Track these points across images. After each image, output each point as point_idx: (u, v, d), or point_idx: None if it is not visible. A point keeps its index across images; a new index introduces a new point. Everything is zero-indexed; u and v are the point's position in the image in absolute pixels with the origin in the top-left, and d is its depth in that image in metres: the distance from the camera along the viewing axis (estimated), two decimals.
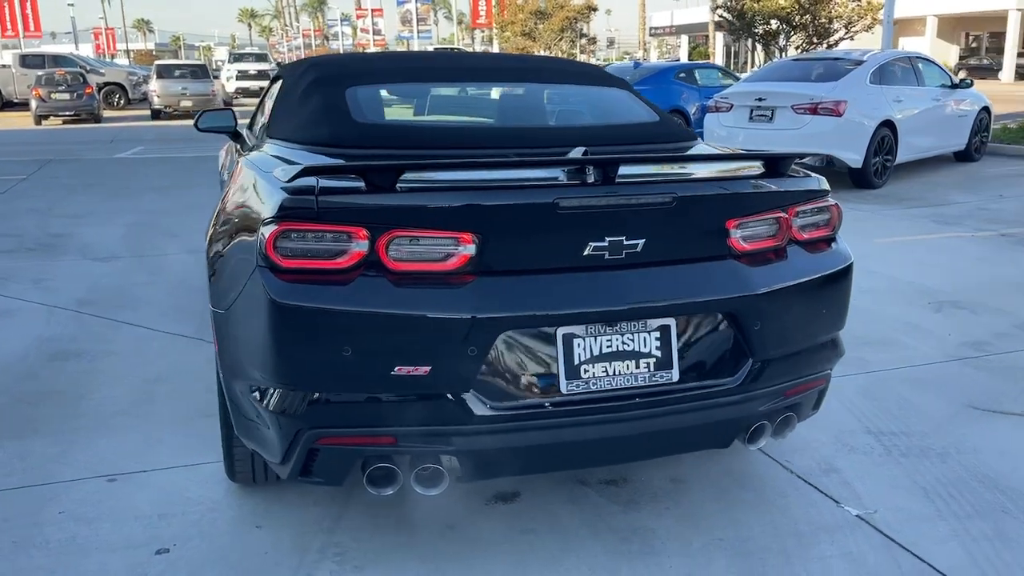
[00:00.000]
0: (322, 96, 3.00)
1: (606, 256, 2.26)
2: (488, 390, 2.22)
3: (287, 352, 2.19)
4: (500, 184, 2.32)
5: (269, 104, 3.53)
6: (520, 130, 3.07)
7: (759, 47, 23.11)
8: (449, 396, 2.20)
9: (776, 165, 2.51)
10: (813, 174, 2.66)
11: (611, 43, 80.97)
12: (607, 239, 2.25)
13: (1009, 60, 37.88)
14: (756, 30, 21.95)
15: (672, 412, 2.35)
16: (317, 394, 2.22)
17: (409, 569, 2.51)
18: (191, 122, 4.65)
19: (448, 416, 2.21)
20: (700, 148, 3.07)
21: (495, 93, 3.55)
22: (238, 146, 3.93)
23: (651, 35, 58.54)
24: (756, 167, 2.54)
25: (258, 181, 2.51)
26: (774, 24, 21.66)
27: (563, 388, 2.26)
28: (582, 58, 39.33)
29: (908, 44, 38.15)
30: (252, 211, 2.40)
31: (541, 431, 2.27)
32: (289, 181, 2.23)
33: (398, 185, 2.21)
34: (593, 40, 43.67)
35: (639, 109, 3.23)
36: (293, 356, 2.19)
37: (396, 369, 2.17)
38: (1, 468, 3.16)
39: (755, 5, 21.37)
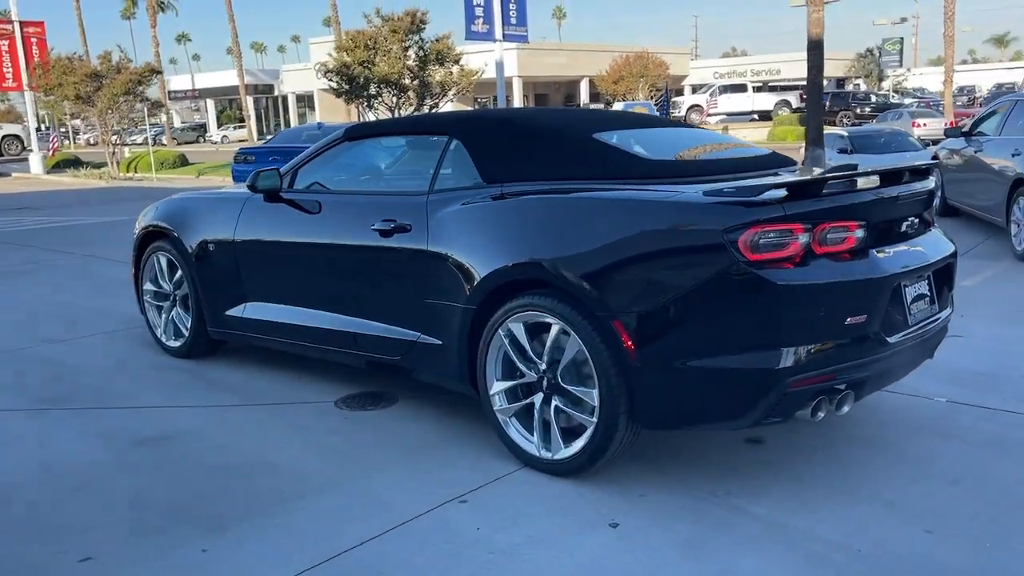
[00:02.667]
0: (586, 140, 3.53)
1: (911, 231, 3.23)
2: (888, 326, 3.03)
3: (786, 320, 2.79)
4: (865, 188, 3.12)
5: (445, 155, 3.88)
6: (710, 161, 3.79)
7: (360, 108, 24.53)
8: (872, 335, 2.96)
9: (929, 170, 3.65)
10: None
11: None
12: (911, 218, 3.22)
13: None
14: (368, 93, 23.41)
15: (934, 332, 3.37)
16: (799, 349, 2.82)
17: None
18: None
19: (870, 349, 2.97)
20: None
21: (656, 136, 4.14)
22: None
23: (171, 99, 57.63)
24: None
25: (672, 205, 3.04)
26: (374, 88, 23.40)
27: (909, 321, 3.15)
28: (150, 120, 37.14)
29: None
30: (685, 228, 2.93)
31: (902, 352, 3.14)
32: (756, 196, 2.83)
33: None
34: (158, 104, 41.51)
35: (743, 145, 4.19)
36: (791, 323, 2.80)
37: (847, 320, 2.88)
38: None
39: (366, 71, 22.84)
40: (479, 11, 18.38)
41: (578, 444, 3.25)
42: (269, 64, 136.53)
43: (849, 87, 54.89)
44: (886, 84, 54.94)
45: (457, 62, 23.55)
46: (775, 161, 3.81)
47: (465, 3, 18.18)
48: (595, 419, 3.17)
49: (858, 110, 39.79)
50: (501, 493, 3.25)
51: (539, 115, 4.40)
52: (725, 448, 3.58)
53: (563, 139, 3.73)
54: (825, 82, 51.68)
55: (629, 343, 3.02)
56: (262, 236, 4.60)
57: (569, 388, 3.25)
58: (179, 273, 5.13)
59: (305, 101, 61.55)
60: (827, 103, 38.90)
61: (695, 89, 58.75)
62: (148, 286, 5.41)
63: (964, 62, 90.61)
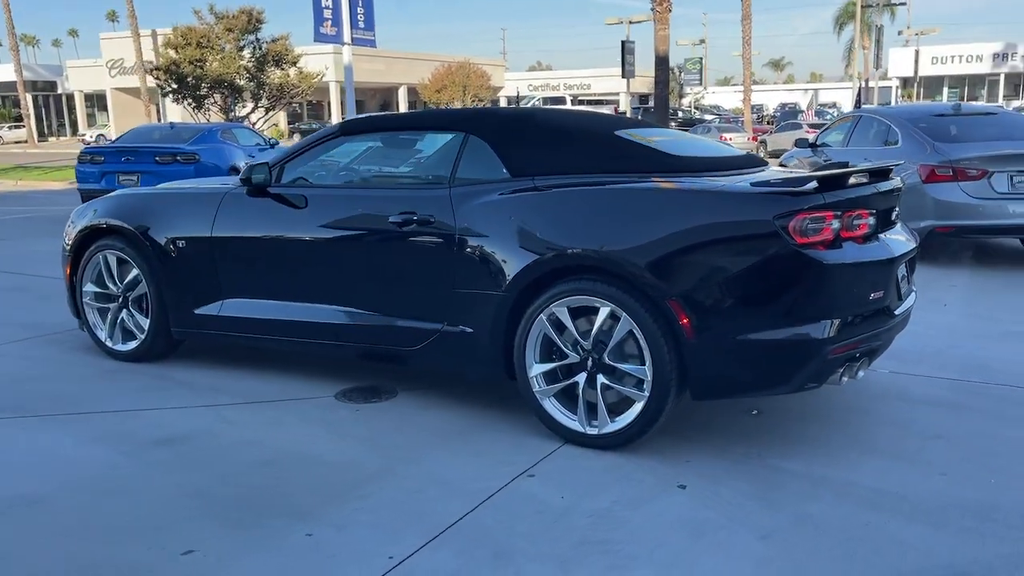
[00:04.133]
0: (611, 137, 3.83)
1: (895, 221, 3.76)
2: (893, 301, 3.54)
3: (828, 295, 3.22)
4: (866, 183, 3.57)
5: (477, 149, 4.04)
6: (716, 158, 4.11)
7: (188, 108, 23.42)
8: (884, 308, 3.45)
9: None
10: None
11: None
12: (895, 209, 3.76)
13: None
14: (199, 94, 22.41)
15: (909, 308, 3.92)
16: (836, 321, 3.24)
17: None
18: None
19: (882, 320, 3.46)
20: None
21: (659, 135, 4.41)
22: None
23: None
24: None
25: (725, 195, 3.39)
26: (205, 89, 22.43)
27: (901, 297, 3.67)
28: None
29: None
30: (738, 216, 3.29)
31: (897, 324, 3.67)
32: (800, 187, 3.22)
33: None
34: None
35: (722, 145, 4.61)
36: (831, 297, 3.23)
37: (871, 295, 3.35)
38: None
39: (197, 70, 21.88)
40: (327, 13, 18.09)
41: (627, 418, 3.52)
42: (43, 59, 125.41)
43: (651, 102, 58.56)
44: (685, 100, 59.03)
45: (295, 64, 23.05)
46: (759, 160, 4.26)
47: (314, 4, 17.85)
48: (646, 393, 3.45)
49: (669, 124, 42.58)
50: (560, 468, 3.45)
51: (559, 114, 4.63)
52: (729, 419, 3.97)
53: (590, 136, 4.01)
54: (629, 97, 54.51)
55: (685, 321, 3.33)
56: (249, 232, 4.51)
57: (618, 366, 3.51)
58: (134, 272, 4.89)
59: (95, 100, 57.52)
60: (639, 117, 41.43)
61: (510, 101, 60.49)
62: (90, 287, 5.11)
63: (756, 82, 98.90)
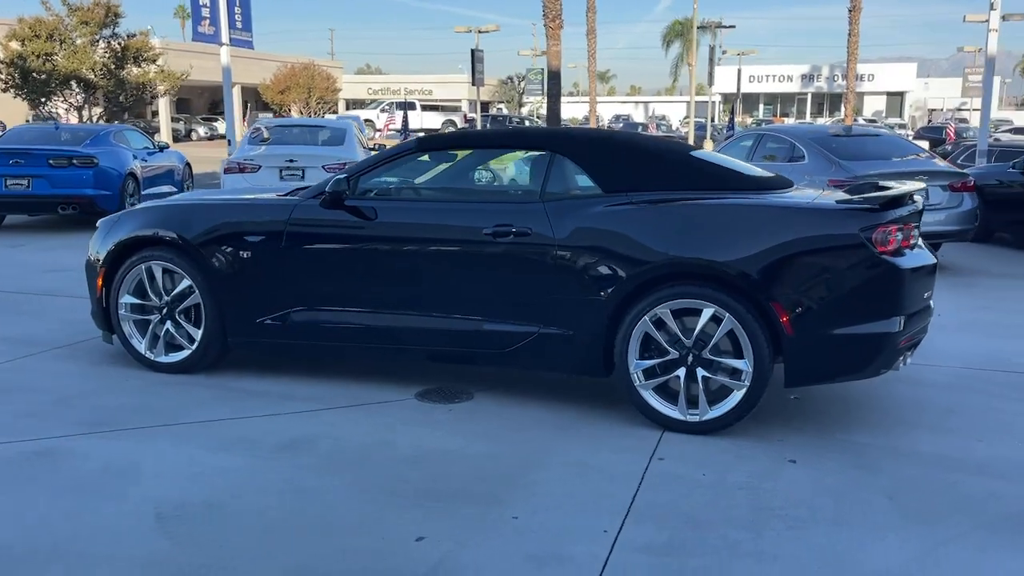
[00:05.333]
0: (689, 158, 4.32)
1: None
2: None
3: (901, 295, 3.91)
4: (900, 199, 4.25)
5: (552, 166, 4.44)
6: (765, 178, 4.69)
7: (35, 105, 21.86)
8: (929, 305, 4.19)
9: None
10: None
11: None
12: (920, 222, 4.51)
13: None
14: (48, 89, 20.94)
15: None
16: (904, 316, 3.92)
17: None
18: None
19: (926, 316, 4.21)
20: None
21: (717, 157, 4.92)
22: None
23: None
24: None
25: (814, 210, 3.95)
26: (55, 84, 21.01)
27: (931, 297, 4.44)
28: None
29: None
30: (829, 229, 3.89)
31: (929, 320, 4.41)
32: (877, 204, 3.88)
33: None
34: None
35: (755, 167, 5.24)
36: (903, 296, 3.91)
37: (925, 294, 4.06)
38: None
39: (46, 64, 20.47)
40: (205, 11, 17.54)
41: (727, 405, 4.05)
42: None
43: (493, 111, 59.70)
44: (525, 110, 60.65)
45: (155, 61, 22.03)
46: (789, 180, 4.94)
47: (192, 3, 17.27)
48: (746, 383, 4.00)
49: None
50: (681, 451, 3.93)
51: (637, 136, 5.08)
52: (778, 405, 4.58)
53: (671, 156, 4.49)
54: (467, 104, 55.17)
55: (785, 319, 3.90)
56: (329, 243, 4.67)
57: (721, 360, 4.04)
58: (184, 283, 4.91)
59: None
60: (487, 125, 42.28)
61: (350, 105, 59.89)
62: (128, 299, 5.05)
63: (571, 94, 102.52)
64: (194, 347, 4.96)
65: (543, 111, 64.24)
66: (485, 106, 62.03)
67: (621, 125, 47.32)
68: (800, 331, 3.92)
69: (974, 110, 47.28)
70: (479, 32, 42.28)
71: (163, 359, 5.04)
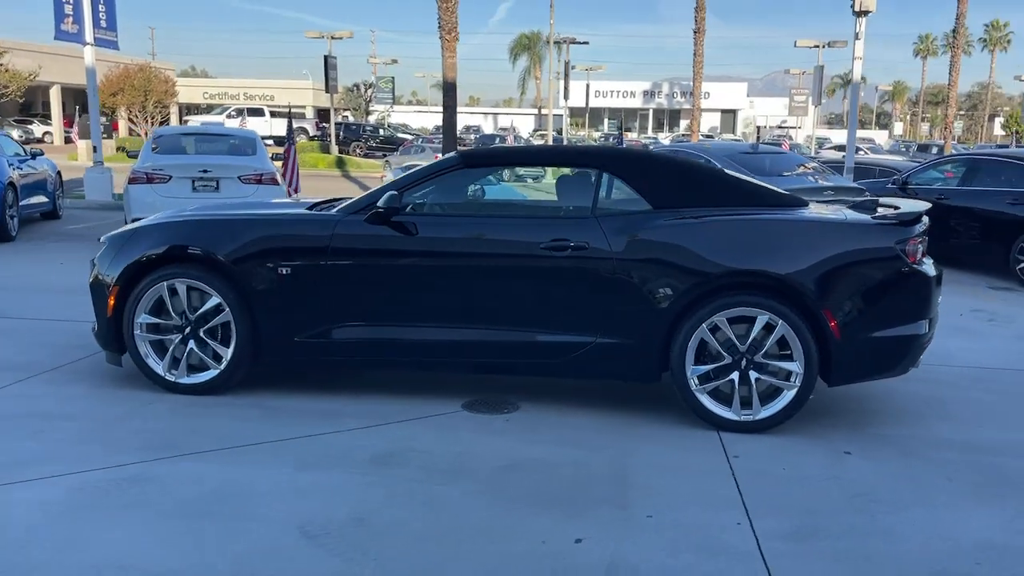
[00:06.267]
0: (725, 175, 4.69)
1: None
2: None
3: (928, 300, 4.42)
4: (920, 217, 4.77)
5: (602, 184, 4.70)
6: (792, 196, 5.02)
7: None
8: (938, 310, 4.71)
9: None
10: None
11: None
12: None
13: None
14: None
15: None
16: (929, 318, 4.44)
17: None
18: None
19: (937, 318, 4.69)
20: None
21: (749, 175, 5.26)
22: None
23: None
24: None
25: (857, 226, 4.39)
26: None
27: None
28: None
29: None
30: (869, 242, 4.34)
31: None
32: (907, 220, 4.38)
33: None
34: None
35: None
36: (929, 302, 4.43)
37: (939, 299, 4.60)
38: None
39: None
40: (68, 8, 16.44)
41: (778, 405, 4.42)
42: None
43: (339, 118, 58.71)
44: (372, 118, 60.08)
45: None
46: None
47: (54, 0, 16.12)
48: (796, 384, 4.38)
49: (370, 142, 43.23)
50: (746, 449, 4.24)
51: (677, 157, 5.35)
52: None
53: (712, 175, 4.82)
54: (310, 111, 53.92)
55: (834, 324, 4.32)
56: (377, 258, 4.68)
57: (775, 363, 4.40)
58: (213, 300, 4.76)
59: None
60: (340, 134, 41.66)
61: (184, 110, 57.18)
62: (145, 318, 4.83)
63: (410, 103, 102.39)
64: (222, 367, 4.81)
65: (391, 119, 64.03)
66: (324, 112, 60.85)
67: (474, 137, 47.83)
68: (846, 335, 4.34)
69: (793, 128, 51.48)
70: (332, 38, 41.68)
71: (184, 380, 4.85)
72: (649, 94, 59.23)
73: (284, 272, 4.70)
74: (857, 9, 13.31)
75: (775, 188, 5.13)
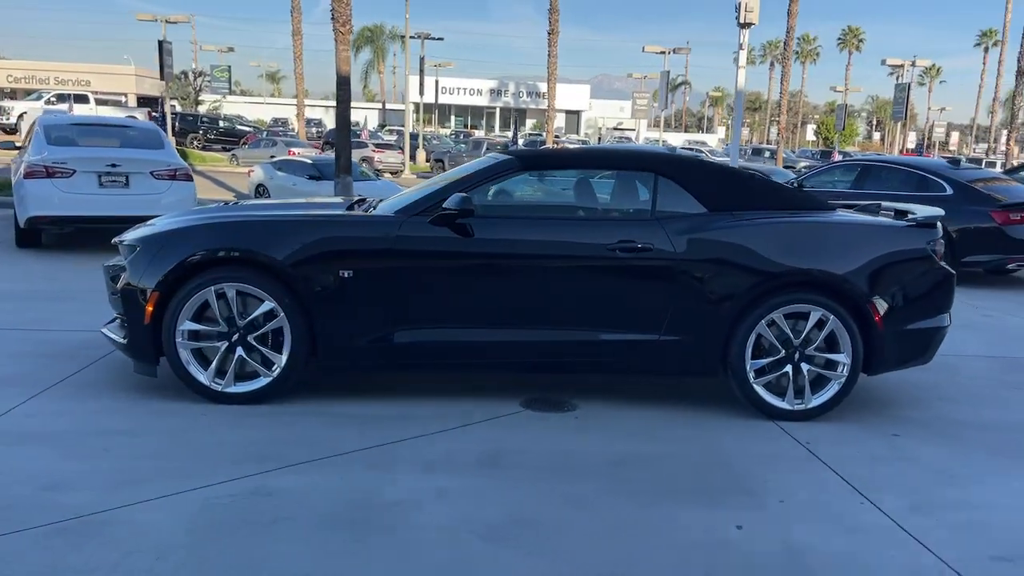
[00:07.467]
0: (770, 182, 5.05)
1: None
2: None
3: (952, 293, 4.91)
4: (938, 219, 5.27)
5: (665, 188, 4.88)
6: (822, 200, 5.43)
7: None
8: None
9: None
10: None
11: None
12: None
13: None
14: None
15: None
16: (950, 312, 4.96)
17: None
18: None
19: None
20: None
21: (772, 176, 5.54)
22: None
23: None
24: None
25: (895, 229, 4.83)
26: None
27: None
28: None
29: None
30: (905, 243, 4.79)
31: None
32: (934, 223, 4.87)
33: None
34: None
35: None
36: (951, 297, 4.93)
37: (954, 294, 5.15)
38: None
39: None
40: None
41: (827, 394, 4.79)
42: None
43: (166, 107, 55.47)
44: (202, 108, 57.23)
45: None
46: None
47: None
48: (843, 374, 4.77)
49: (208, 135, 41.23)
50: (810, 435, 4.57)
51: (724, 165, 5.53)
52: None
53: (758, 181, 5.10)
54: (135, 99, 50.72)
55: (878, 318, 4.74)
56: (443, 260, 4.64)
57: (826, 356, 4.77)
58: (265, 306, 4.56)
59: None
60: (176, 125, 39.49)
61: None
62: (188, 325, 4.56)
63: (233, 92, 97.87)
64: (276, 374, 4.62)
65: (222, 110, 61.17)
66: (154, 101, 57.30)
67: (316, 131, 46.63)
68: (887, 328, 4.77)
69: (629, 130, 53.82)
70: (167, 23, 39.35)
71: (232, 389, 4.62)
72: (496, 92, 59.99)
73: (346, 275, 4.56)
74: (741, 21, 14.24)
75: (809, 193, 5.54)
